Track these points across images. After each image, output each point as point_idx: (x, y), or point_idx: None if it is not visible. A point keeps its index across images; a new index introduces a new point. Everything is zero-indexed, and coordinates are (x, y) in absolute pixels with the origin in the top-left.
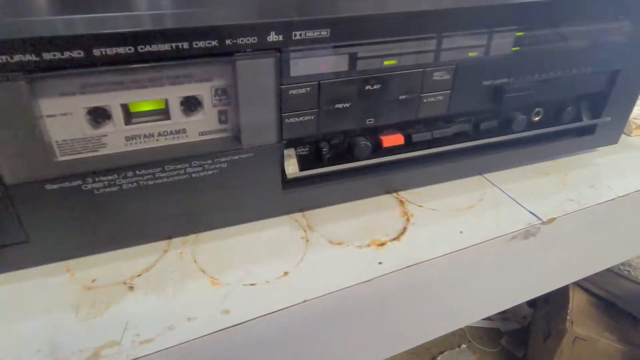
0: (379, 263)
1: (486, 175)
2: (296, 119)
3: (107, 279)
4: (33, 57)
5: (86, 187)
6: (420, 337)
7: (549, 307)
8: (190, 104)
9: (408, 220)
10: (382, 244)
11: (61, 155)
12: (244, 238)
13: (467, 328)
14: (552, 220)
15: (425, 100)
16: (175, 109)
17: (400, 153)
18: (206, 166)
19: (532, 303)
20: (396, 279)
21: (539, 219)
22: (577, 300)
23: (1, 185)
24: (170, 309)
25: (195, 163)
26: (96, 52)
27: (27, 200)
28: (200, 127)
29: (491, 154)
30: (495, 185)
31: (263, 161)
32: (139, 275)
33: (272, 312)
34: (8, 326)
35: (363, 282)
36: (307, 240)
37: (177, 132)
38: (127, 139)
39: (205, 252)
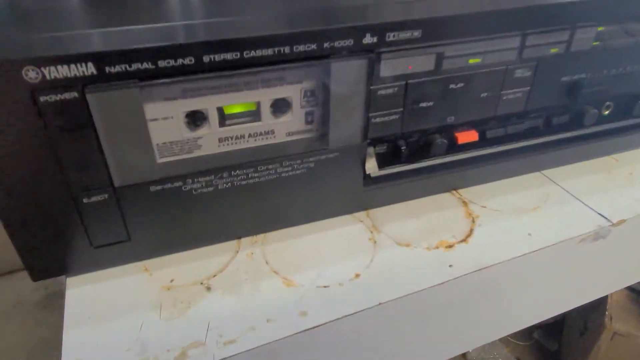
0: (450, 266)
1: (546, 172)
2: (382, 118)
3: (185, 279)
4: (149, 65)
5: (186, 187)
6: (479, 340)
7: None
8: (280, 106)
9: (474, 221)
10: (450, 246)
11: (160, 158)
12: (311, 238)
13: None
14: (621, 222)
15: (505, 98)
16: (266, 110)
17: (473, 149)
18: (295, 166)
19: None
20: (465, 282)
21: (608, 220)
22: (616, 296)
23: (110, 188)
24: (249, 310)
25: (285, 163)
26: (206, 58)
27: (133, 202)
28: (288, 127)
29: (560, 149)
30: (556, 183)
31: (348, 160)
32: (214, 276)
33: (348, 315)
34: (97, 324)
35: (436, 285)
36: (375, 242)
37: (266, 133)
38: (220, 140)
39: (274, 252)
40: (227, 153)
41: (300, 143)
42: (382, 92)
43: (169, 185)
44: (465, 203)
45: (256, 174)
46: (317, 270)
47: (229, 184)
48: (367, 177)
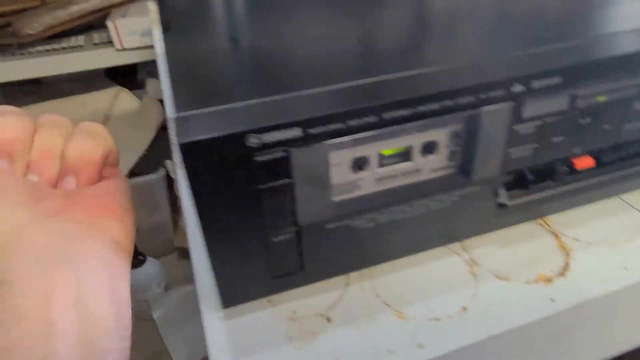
0: (552, 300)
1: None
2: (519, 154)
3: (305, 311)
4: (341, 125)
5: (352, 223)
6: None
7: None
8: (429, 147)
9: (568, 255)
10: (549, 280)
11: (333, 197)
12: (413, 271)
13: None
14: None
15: (625, 128)
16: (417, 152)
17: (589, 174)
18: (443, 199)
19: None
20: (566, 315)
21: None
22: None
23: (296, 226)
24: (369, 341)
25: (435, 197)
26: (386, 115)
27: (310, 238)
28: (433, 165)
29: None
30: None
31: (486, 191)
32: (331, 308)
33: (462, 348)
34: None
35: (541, 318)
36: (475, 275)
37: (415, 171)
38: (377, 180)
39: (382, 285)
40: (384, 191)
41: (442, 179)
42: (522, 131)
43: (340, 223)
44: (556, 236)
45: (409, 209)
46: (425, 302)
47: (387, 218)
48: (499, 205)
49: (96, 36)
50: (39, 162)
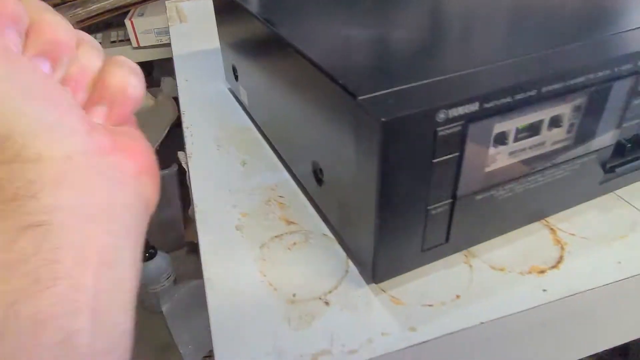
0: (543, 290)
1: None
2: (630, 122)
3: (305, 295)
4: (509, 99)
5: (496, 194)
6: (566, 357)
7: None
8: (554, 121)
9: (563, 248)
10: (542, 272)
11: (485, 170)
12: None
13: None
14: None
15: None
16: (544, 126)
17: None
18: (565, 168)
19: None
20: (558, 306)
21: None
22: None
23: (452, 199)
24: (365, 324)
25: (560, 167)
26: (544, 89)
27: (461, 209)
28: (554, 138)
29: None
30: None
31: (599, 159)
32: (330, 292)
33: (453, 332)
34: (237, 330)
35: (531, 307)
36: (471, 266)
37: (539, 144)
38: (510, 154)
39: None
40: (514, 164)
41: (562, 150)
42: (636, 102)
43: (487, 194)
44: (553, 230)
45: (541, 178)
46: (419, 290)
47: (522, 188)
48: (608, 169)
49: (114, 34)
50: (77, 78)
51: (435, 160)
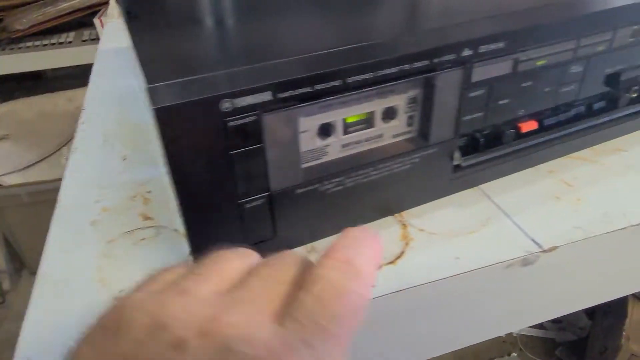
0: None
1: (493, 194)
2: (470, 116)
3: None
4: (309, 89)
5: (322, 188)
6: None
7: (608, 320)
8: (389, 113)
9: (407, 244)
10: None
11: (302, 164)
12: None
13: (519, 336)
14: (553, 249)
15: (561, 90)
16: (378, 118)
17: (534, 136)
18: (404, 162)
19: (591, 314)
20: (388, 301)
21: (540, 246)
22: (637, 315)
23: (267, 193)
24: None
25: (398, 160)
26: (349, 80)
27: (282, 204)
28: (394, 131)
29: (601, 129)
30: (500, 208)
31: (443, 154)
32: None
33: None
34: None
35: None
36: None
37: (377, 136)
38: (343, 146)
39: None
40: (349, 156)
41: (402, 143)
42: (472, 94)
43: (309, 187)
44: (404, 225)
45: (374, 172)
46: None
47: (354, 182)
48: (455, 167)
49: (86, 33)
50: None
51: (232, 152)
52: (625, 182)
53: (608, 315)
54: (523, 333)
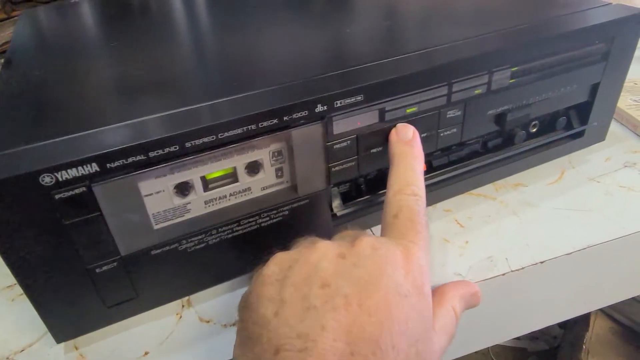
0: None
1: None
2: (341, 166)
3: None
4: (142, 157)
5: (181, 247)
6: None
7: (574, 331)
8: (253, 167)
9: None
10: None
11: (156, 225)
12: None
13: (491, 347)
14: None
15: (442, 134)
16: (242, 172)
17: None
18: (272, 215)
19: (563, 324)
20: None
21: None
22: (598, 329)
23: (118, 257)
24: None
25: (264, 215)
26: (187, 144)
27: (137, 265)
28: (262, 183)
29: (498, 166)
30: None
31: (316, 204)
32: (22, 351)
33: None
34: None
35: None
36: (181, 317)
37: (244, 190)
38: (206, 202)
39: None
40: (213, 212)
41: (274, 195)
42: (338, 146)
43: (166, 248)
44: None
45: (240, 227)
46: (114, 346)
47: (218, 238)
48: (334, 216)
49: None
50: None
51: (67, 223)
52: (519, 222)
53: (575, 326)
54: (495, 344)
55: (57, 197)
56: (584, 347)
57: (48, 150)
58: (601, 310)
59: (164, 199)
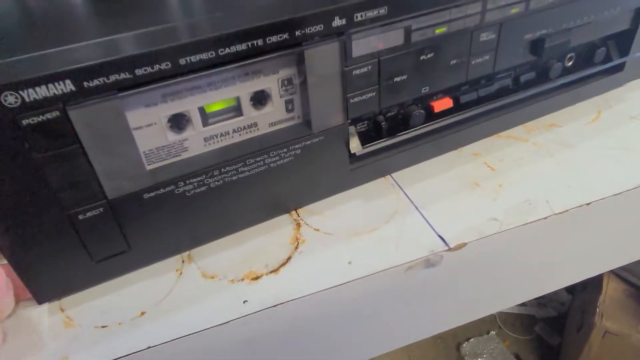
0: (244, 302)
1: (406, 185)
2: (360, 97)
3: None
4: (127, 75)
5: (178, 190)
6: None
7: (584, 296)
8: (260, 98)
9: (297, 247)
10: (257, 278)
11: (148, 165)
12: None
13: (498, 313)
14: (461, 246)
15: (473, 62)
16: (247, 104)
17: (451, 115)
18: (282, 154)
19: (570, 290)
20: (260, 319)
21: (447, 244)
22: (612, 291)
23: (104, 201)
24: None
25: (273, 153)
26: (182, 61)
27: (128, 212)
28: (270, 118)
29: (530, 104)
30: (410, 200)
31: (332, 142)
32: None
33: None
34: None
35: (222, 323)
36: (181, 273)
37: (250, 126)
38: (206, 140)
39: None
40: (214, 151)
41: (284, 132)
42: (357, 71)
43: (161, 191)
44: (298, 225)
45: (245, 168)
46: (105, 306)
47: (221, 181)
48: (352, 156)
49: None
50: None
51: (39, 156)
52: (556, 163)
53: (584, 291)
54: (502, 310)
55: (24, 122)
56: (597, 310)
57: (13, 66)
58: (613, 272)
59: (156, 134)
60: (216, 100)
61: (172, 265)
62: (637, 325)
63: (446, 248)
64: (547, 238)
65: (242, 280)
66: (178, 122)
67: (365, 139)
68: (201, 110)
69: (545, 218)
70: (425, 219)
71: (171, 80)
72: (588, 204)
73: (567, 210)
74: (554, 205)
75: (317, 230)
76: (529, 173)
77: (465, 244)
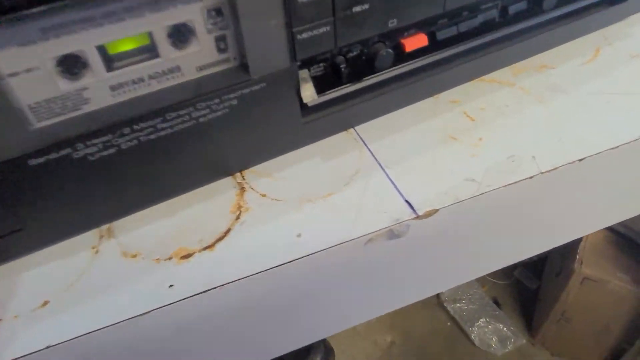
0: (170, 286)
1: (371, 141)
2: (310, 32)
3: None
4: None
5: (78, 154)
6: None
7: None
8: (180, 34)
9: (238, 217)
10: (187, 256)
11: (38, 122)
12: None
13: None
14: (431, 213)
15: None
16: (163, 42)
17: (425, 56)
18: (213, 107)
19: None
20: (189, 307)
21: (415, 211)
22: (592, 237)
23: None
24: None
25: (200, 105)
26: None
27: (12, 182)
28: (197, 61)
29: (519, 41)
30: (375, 159)
31: (278, 90)
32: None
33: None
34: None
35: (139, 315)
36: (98, 252)
37: (171, 71)
38: (113, 88)
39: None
40: (124, 103)
41: (217, 78)
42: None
43: (53, 155)
44: (243, 190)
45: (166, 124)
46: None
47: (135, 141)
48: (305, 107)
49: None
50: None
51: None
52: (546, 111)
53: None
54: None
55: None
56: (577, 257)
57: None
58: None
59: (43, 82)
60: (119, 37)
61: (88, 241)
62: (616, 272)
63: (414, 216)
64: (533, 200)
65: (170, 259)
66: (70, 65)
67: (321, 86)
68: (101, 50)
69: (531, 177)
70: (391, 180)
71: (47, 6)
72: (581, 160)
73: (556, 168)
74: (542, 162)
75: (264, 195)
76: (514, 124)
77: (436, 211)
